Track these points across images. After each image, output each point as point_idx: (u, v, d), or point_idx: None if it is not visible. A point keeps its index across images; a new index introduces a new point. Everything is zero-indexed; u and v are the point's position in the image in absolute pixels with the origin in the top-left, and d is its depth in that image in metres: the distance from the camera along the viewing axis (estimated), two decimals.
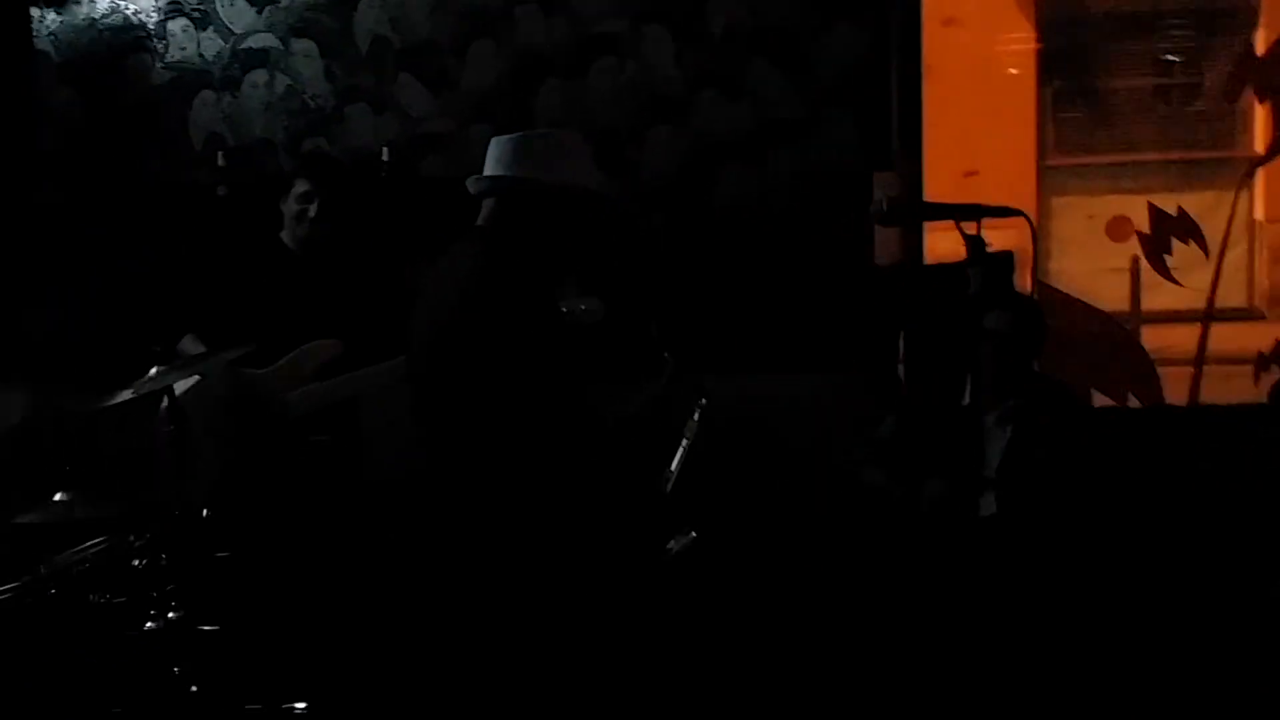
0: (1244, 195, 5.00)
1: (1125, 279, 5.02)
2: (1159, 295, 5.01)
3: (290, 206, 4.42)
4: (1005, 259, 4.37)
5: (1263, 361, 4.96)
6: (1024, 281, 4.63)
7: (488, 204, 3.05)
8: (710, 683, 3.71)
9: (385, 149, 5.10)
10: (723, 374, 3.99)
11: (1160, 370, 5.01)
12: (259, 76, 5.30)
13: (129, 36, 5.34)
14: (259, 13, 5.28)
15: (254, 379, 4.19)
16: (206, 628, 3.51)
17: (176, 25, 5.33)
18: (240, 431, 4.17)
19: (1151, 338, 5.02)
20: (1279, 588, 4.24)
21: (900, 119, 4.98)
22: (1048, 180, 5.09)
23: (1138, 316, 5.04)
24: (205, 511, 3.76)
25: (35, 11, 5.36)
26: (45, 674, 3.34)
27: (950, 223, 2.92)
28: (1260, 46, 5.01)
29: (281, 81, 5.29)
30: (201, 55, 5.32)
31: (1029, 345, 3.99)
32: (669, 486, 3.44)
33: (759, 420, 4.76)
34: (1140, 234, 5.02)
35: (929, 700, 3.65)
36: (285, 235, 4.45)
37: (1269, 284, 5.00)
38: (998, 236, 3.02)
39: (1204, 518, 4.51)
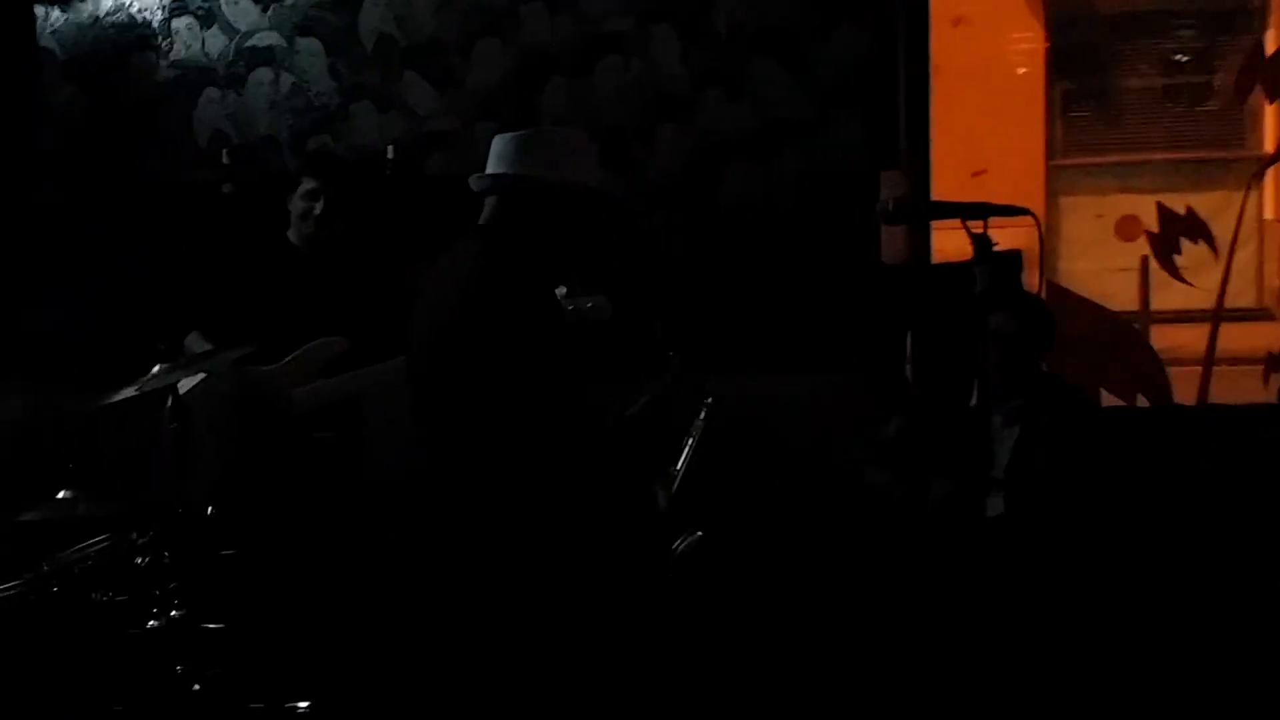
0: (1253, 195, 4.99)
1: (1134, 279, 5.00)
2: (1168, 295, 4.99)
3: (296, 204, 4.41)
4: (1013, 258, 4.34)
5: (1272, 361, 4.94)
6: (1032, 281, 4.61)
7: (489, 202, 3.03)
8: (715, 684, 3.70)
9: (390, 147, 5.09)
10: (728, 373, 3.98)
11: (1169, 370, 4.99)
12: (264, 74, 5.29)
13: (133, 34, 5.33)
14: (264, 10, 5.27)
15: (259, 376, 4.19)
16: (210, 626, 3.50)
17: (181, 23, 5.32)
18: (245, 429, 4.17)
19: (1160, 337, 5.01)
20: None
21: (907, 118, 4.96)
22: (1056, 180, 5.08)
23: (1147, 316, 5.03)
24: (209, 509, 3.75)
25: (39, 9, 5.36)
26: (47, 672, 3.32)
27: (957, 221, 2.91)
28: (1270, 46, 4.99)
29: (286, 79, 5.28)
30: (206, 53, 5.31)
31: (1037, 345, 3.97)
32: (675, 486, 3.43)
33: (764, 420, 4.74)
34: (1149, 234, 5.01)
35: (935, 702, 3.64)
36: (291, 233, 4.45)
37: (1278, 284, 4.98)
38: (1005, 236, 3.01)
39: (1213, 519, 4.49)
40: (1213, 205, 4.97)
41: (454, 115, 5.19)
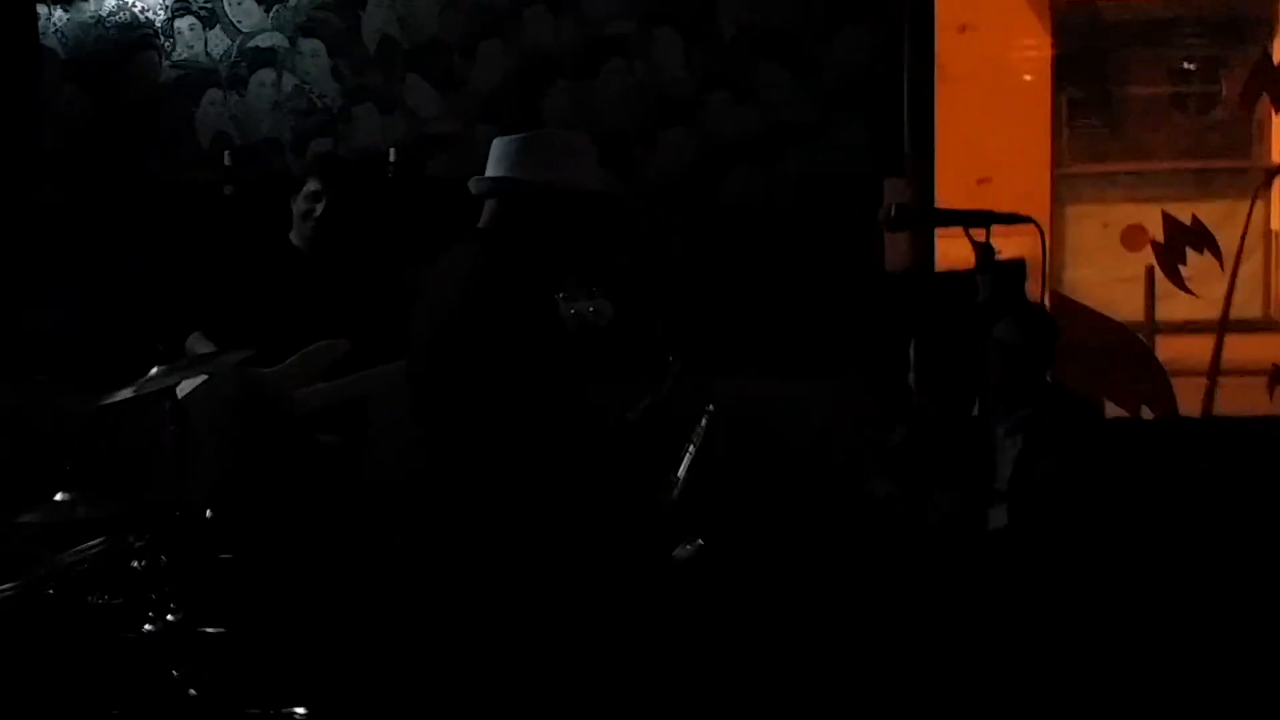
0: (1260, 205, 4.97)
1: (1139, 288, 4.98)
2: (1173, 305, 4.97)
3: (298, 206, 4.39)
4: (1017, 267, 4.32)
5: (1278, 373, 4.92)
6: (1035, 290, 4.59)
7: (489, 205, 3.03)
8: (715, 689, 3.68)
9: (392, 149, 5.08)
10: (728, 377, 3.97)
11: (1174, 381, 4.97)
12: (266, 75, 5.28)
13: (135, 34, 5.32)
14: (266, 11, 5.26)
15: (261, 378, 4.17)
16: (208, 630, 3.48)
17: (183, 23, 5.31)
18: (247, 432, 4.15)
19: (1165, 348, 4.99)
20: None
21: (912, 123, 4.94)
22: (1062, 188, 5.06)
23: (1152, 326, 5.00)
24: (209, 512, 3.73)
25: (41, 8, 5.35)
26: (42, 675, 3.31)
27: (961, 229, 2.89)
28: (1277, 55, 4.97)
29: (289, 81, 5.27)
30: (208, 54, 5.30)
31: (1040, 355, 3.95)
32: (676, 493, 3.41)
33: (764, 424, 4.73)
34: (1155, 243, 4.98)
35: (937, 710, 3.62)
36: (293, 235, 4.43)
37: None
38: (1009, 244, 2.99)
39: (1218, 531, 4.47)
40: (1219, 215, 4.95)
41: (456, 117, 5.18)
